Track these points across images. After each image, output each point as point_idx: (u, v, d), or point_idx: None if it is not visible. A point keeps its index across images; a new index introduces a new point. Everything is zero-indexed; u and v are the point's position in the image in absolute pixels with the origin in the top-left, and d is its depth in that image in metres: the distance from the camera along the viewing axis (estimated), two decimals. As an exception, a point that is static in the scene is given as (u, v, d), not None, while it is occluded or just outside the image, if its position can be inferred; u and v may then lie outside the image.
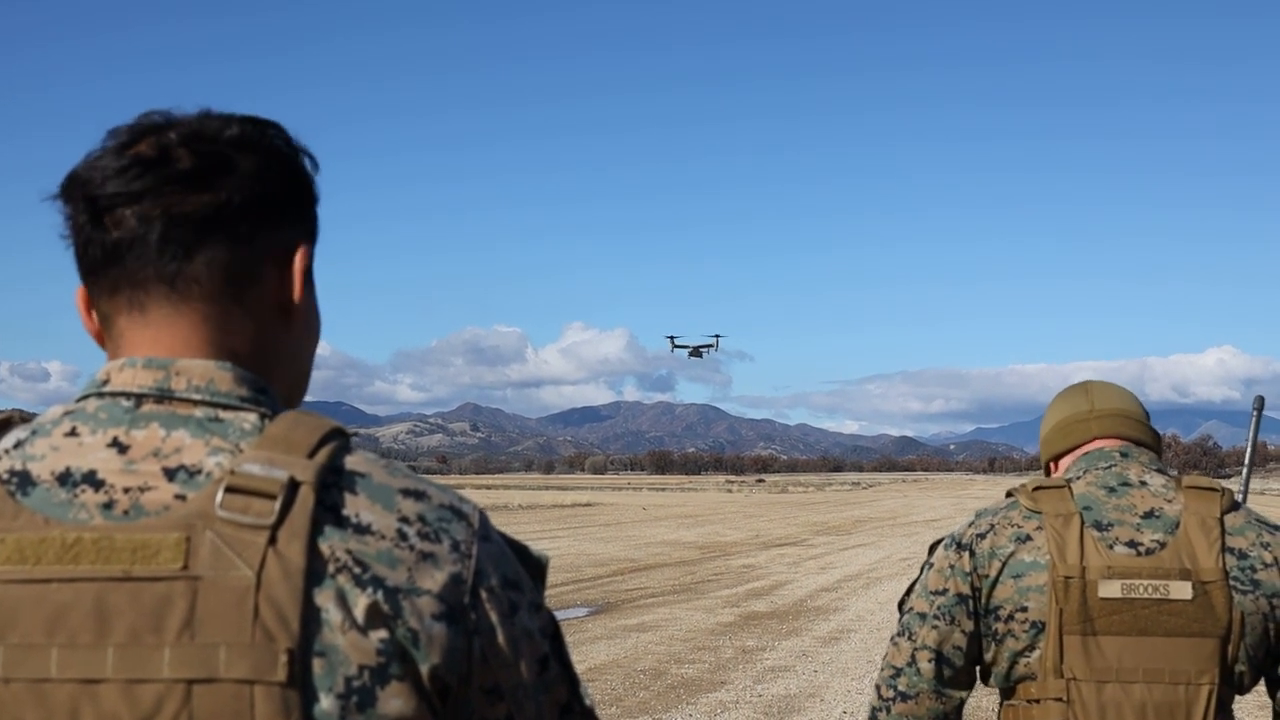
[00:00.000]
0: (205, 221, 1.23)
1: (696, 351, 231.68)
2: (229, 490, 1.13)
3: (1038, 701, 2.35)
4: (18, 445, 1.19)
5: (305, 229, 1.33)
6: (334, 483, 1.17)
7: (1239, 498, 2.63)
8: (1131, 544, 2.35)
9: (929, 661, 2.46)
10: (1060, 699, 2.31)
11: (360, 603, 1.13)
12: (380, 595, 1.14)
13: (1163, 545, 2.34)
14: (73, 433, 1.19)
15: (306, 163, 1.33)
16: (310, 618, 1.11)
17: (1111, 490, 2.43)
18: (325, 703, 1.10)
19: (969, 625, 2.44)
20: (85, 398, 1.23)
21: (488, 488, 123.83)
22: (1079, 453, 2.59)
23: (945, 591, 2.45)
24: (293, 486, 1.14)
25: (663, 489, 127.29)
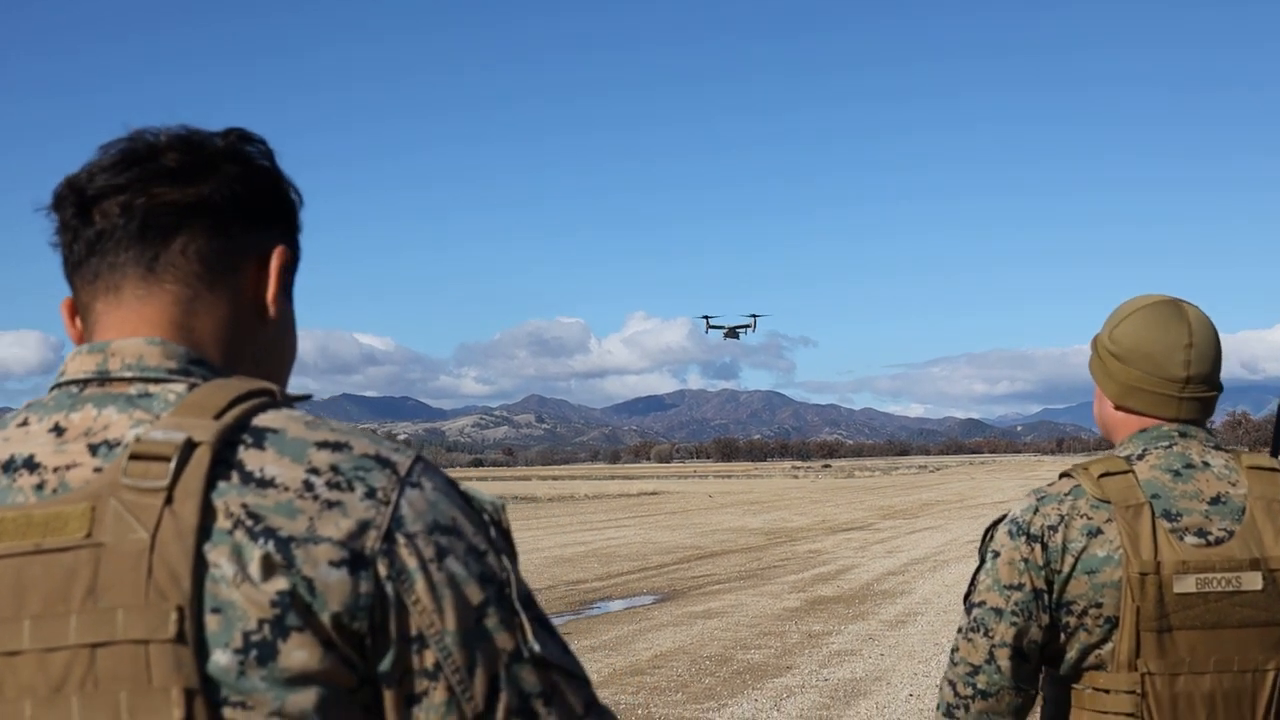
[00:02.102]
0: (186, 209, 1.30)
1: (733, 332, 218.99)
2: (132, 457, 1.16)
3: (1107, 692, 2.33)
4: None
5: (285, 237, 1.39)
6: (239, 440, 1.19)
7: None
8: (1201, 533, 2.31)
9: (1008, 659, 2.39)
10: (1134, 691, 2.29)
11: (254, 555, 1.13)
12: (272, 546, 1.13)
13: (1231, 534, 2.31)
14: (24, 423, 1.26)
15: (285, 182, 1.40)
16: (202, 574, 1.12)
17: (1177, 474, 2.38)
18: (221, 658, 1.11)
19: (1045, 619, 2.38)
20: (52, 389, 1.30)
21: (554, 478, 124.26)
22: (1141, 423, 2.49)
23: (1021, 586, 2.39)
24: (189, 447, 1.16)
25: (728, 476, 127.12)
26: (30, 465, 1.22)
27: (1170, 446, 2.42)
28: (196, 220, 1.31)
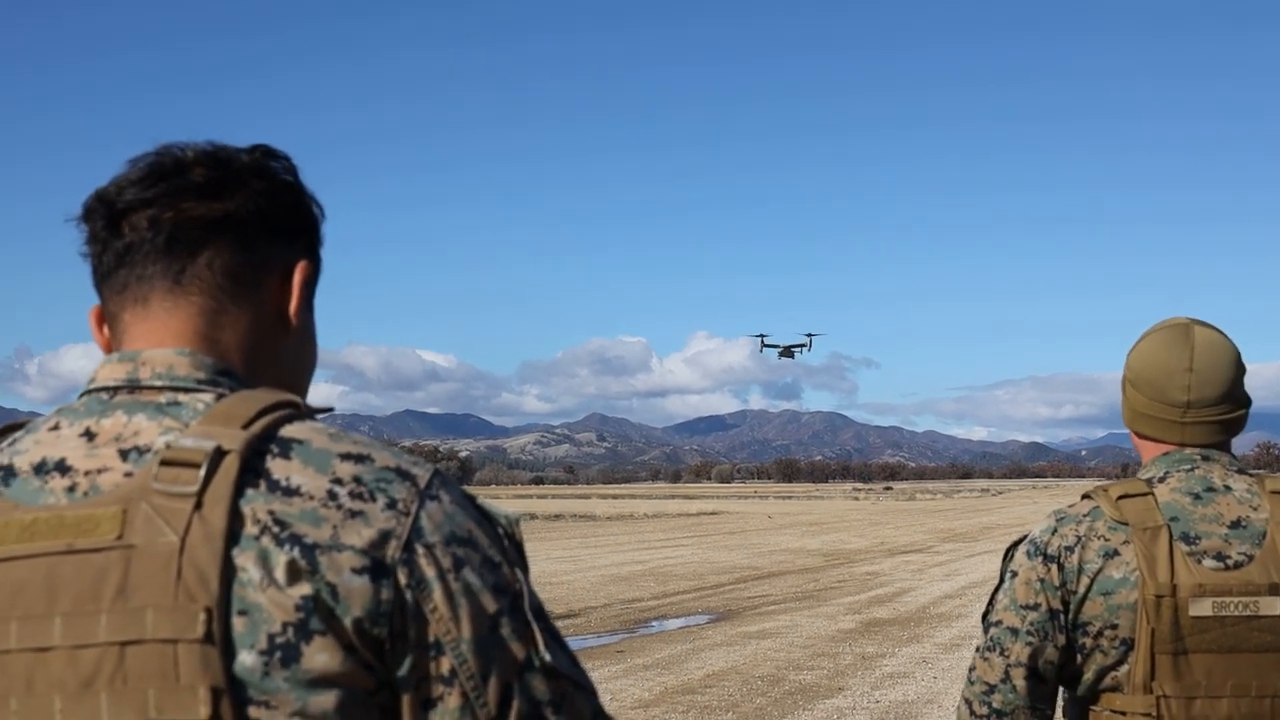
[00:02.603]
0: (213, 224, 1.36)
1: (788, 351, 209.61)
2: (163, 464, 1.22)
3: (1124, 714, 2.34)
4: (11, 443, 1.33)
5: (307, 251, 1.46)
6: (266, 450, 1.24)
7: None
8: (1219, 556, 2.31)
9: (1024, 679, 2.40)
10: (1149, 714, 2.30)
11: (280, 561, 1.18)
12: (297, 552, 1.19)
13: (1250, 558, 2.31)
14: (55, 427, 1.32)
15: (308, 197, 1.47)
16: (230, 577, 1.17)
17: (1197, 497, 2.39)
18: (247, 659, 1.16)
19: (1061, 640, 2.39)
20: (82, 396, 1.36)
21: (614, 497, 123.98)
22: (1161, 448, 2.51)
23: (1037, 606, 2.41)
24: (219, 455, 1.21)
25: (789, 497, 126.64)
26: (62, 468, 1.27)
27: (1192, 470, 2.43)
28: (222, 235, 1.36)
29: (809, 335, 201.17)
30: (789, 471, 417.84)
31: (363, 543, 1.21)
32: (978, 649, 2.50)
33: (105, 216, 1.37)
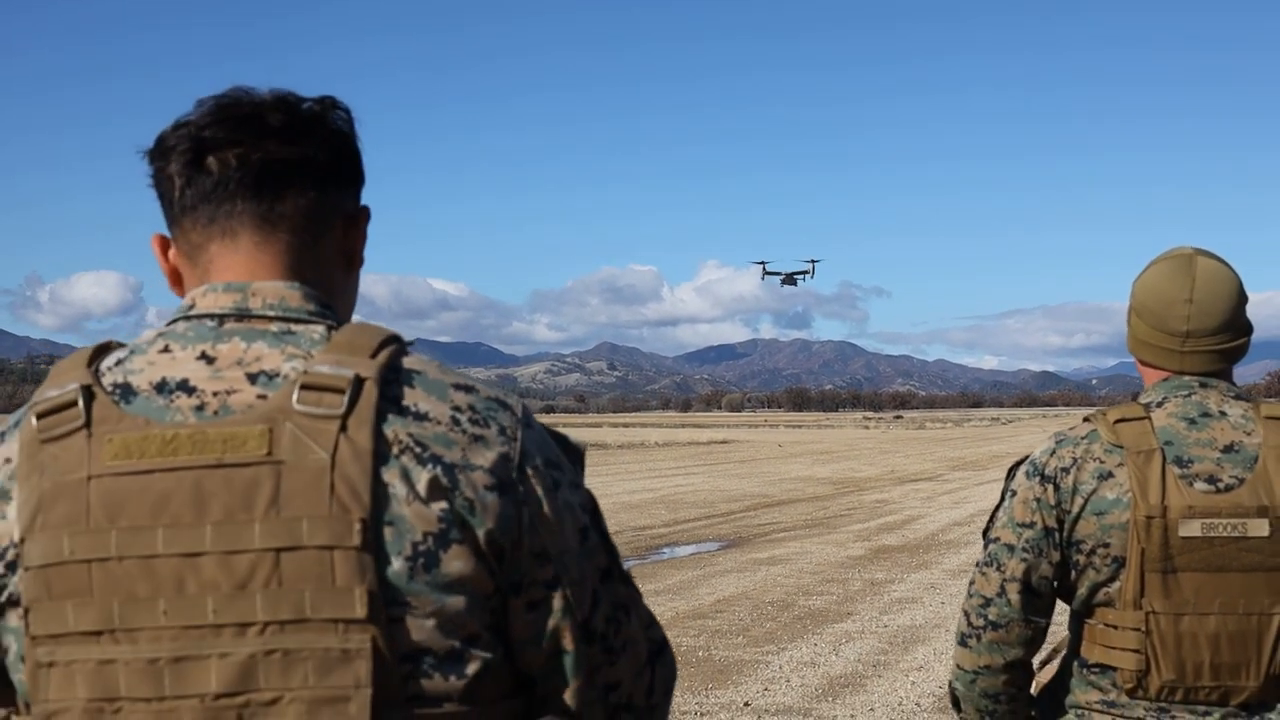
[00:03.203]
0: (295, 168, 1.47)
1: (790, 279, 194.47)
2: (303, 388, 1.34)
3: (1116, 628, 2.44)
4: (119, 363, 1.43)
5: (359, 197, 1.57)
6: (394, 379, 1.39)
7: None
8: (1211, 479, 2.41)
9: (1018, 593, 2.51)
10: (1139, 629, 2.40)
11: (422, 478, 1.33)
12: (439, 470, 1.34)
13: (1241, 481, 2.39)
14: (166, 349, 1.43)
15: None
16: (379, 492, 1.32)
17: (1192, 422, 2.47)
18: (396, 564, 1.32)
19: (1055, 556, 2.49)
20: (174, 321, 1.46)
21: (625, 425, 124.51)
22: (1162, 375, 2.59)
23: (1032, 525, 2.51)
24: (358, 382, 1.35)
25: (799, 426, 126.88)
26: (186, 388, 1.38)
27: (1190, 395, 2.51)
28: (302, 177, 1.48)
29: (812, 261, 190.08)
30: (799, 400, 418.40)
31: (488, 464, 1.38)
32: (977, 564, 2.61)
33: (190, 152, 1.45)
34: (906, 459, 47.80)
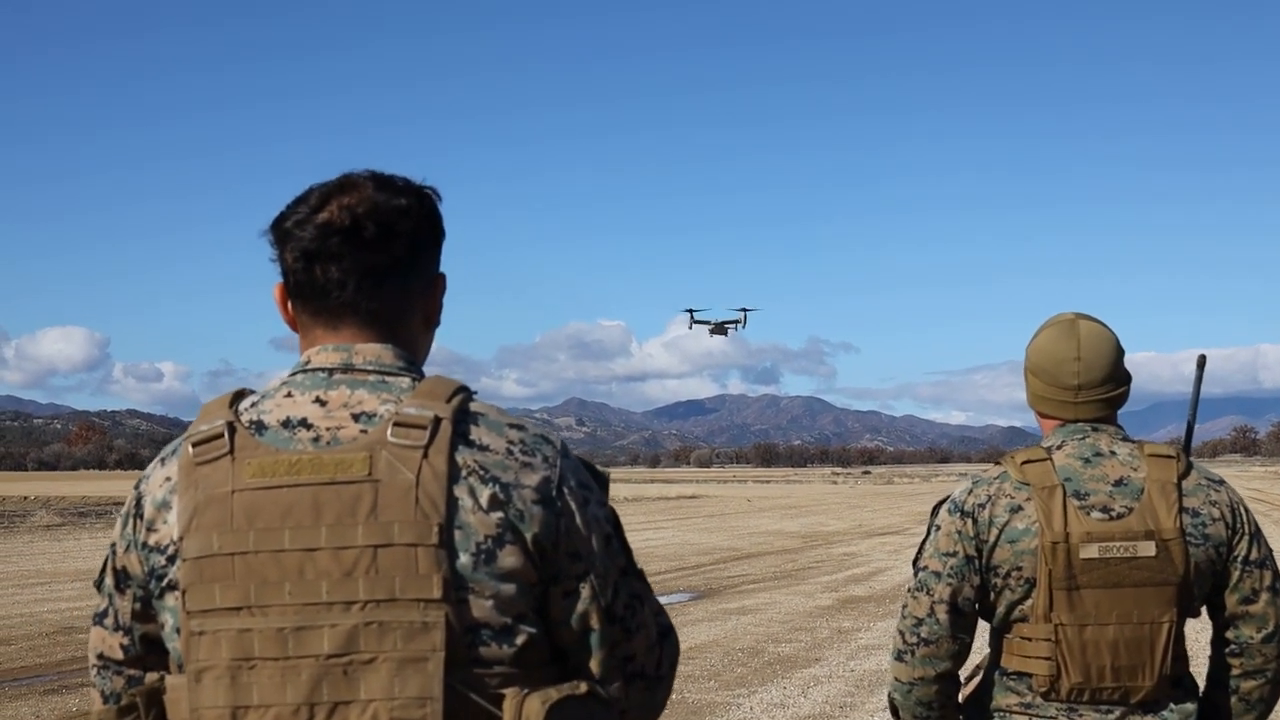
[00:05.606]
0: (385, 271, 1.87)
1: (720, 328, 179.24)
2: (395, 425, 1.74)
3: (1030, 639, 2.86)
4: (253, 404, 1.85)
5: (438, 262, 1.98)
6: (463, 419, 1.77)
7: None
8: (1105, 509, 2.81)
9: (946, 613, 2.91)
10: (1049, 639, 2.82)
11: (484, 494, 1.72)
12: (497, 488, 1.73)
13: (1130, 510, 2.80)
14: (289, 394, 1.84)
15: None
16: (452, 504, 1.71)
17: (1087, 461, 2.88)
18: (463, 558, 1.70)
19: (976, 580, 2.90)
20: (295, 373, 1.87)
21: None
22: (1058, 423, 3.02)
23: (955, 554, 2.90)
24: (437, 421, 1.74)
25: (768, 481, 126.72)
26: (305, 424, 1.78)
27: (1084, 439, 2.95)
28: (392, 278, 1.88)
29: (743, 310, 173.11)
30: (768, 456, 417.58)
31: (534, 484, 1.77)
32: (909, 589, 3.02)
33: (304, 260, 1.86)
34: (874, 513, 48.11)
